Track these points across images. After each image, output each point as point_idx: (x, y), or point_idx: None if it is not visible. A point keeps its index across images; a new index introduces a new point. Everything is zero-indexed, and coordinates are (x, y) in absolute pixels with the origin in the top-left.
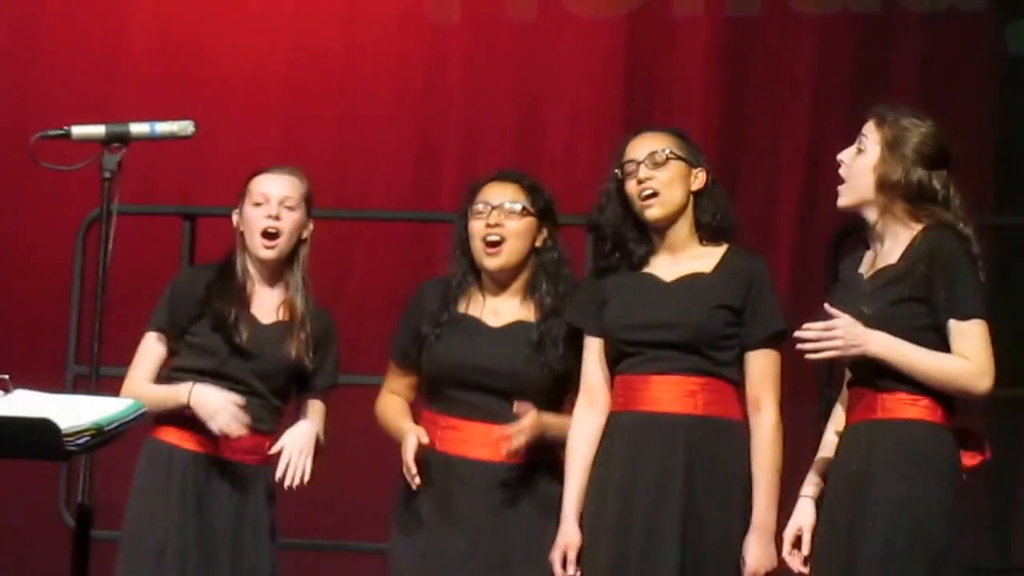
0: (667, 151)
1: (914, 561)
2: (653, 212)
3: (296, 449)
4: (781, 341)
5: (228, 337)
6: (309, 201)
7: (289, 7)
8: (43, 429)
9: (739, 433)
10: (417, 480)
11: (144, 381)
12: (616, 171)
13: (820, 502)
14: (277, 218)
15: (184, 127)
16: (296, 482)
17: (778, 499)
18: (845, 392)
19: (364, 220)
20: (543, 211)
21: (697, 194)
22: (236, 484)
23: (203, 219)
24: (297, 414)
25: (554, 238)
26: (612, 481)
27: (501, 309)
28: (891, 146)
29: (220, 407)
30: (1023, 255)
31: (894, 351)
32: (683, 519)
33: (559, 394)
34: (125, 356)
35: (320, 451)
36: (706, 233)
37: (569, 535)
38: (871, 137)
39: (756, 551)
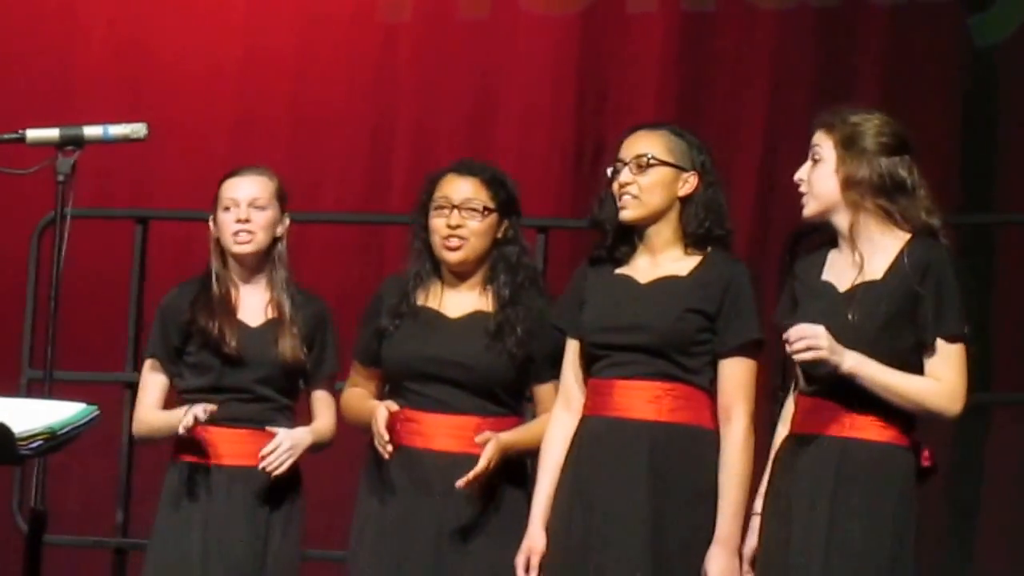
0: (651, 156)
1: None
2: (625, 214)
3: (286, 446)
4: (756, 350)
5: (217, 349)
6: (281, 198)
7: (240, 8)
8: None
9: (709, 441)
10: (390, 448)
11: (151, 409)
12: (608, 169)
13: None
14: (247, 220)
15: (137, 130)
16: (271, 471)
17: (744, 511)
18: (791, 399)
19: (315, 223)
20: (505, 204)
21: (685, 199)
22: (258, 490)
23: (155, 222)
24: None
25: (515, 229)
26: (576, 487)
27: (460, 301)
28: (847, 145)
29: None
30: (988, 253)
31: (866, 371)
32: (646, 528)
33: (520, 383)
34: (79, 360)
35: (327, 445)
36: (691, 240)
37: (534, 539)
38: (824, 144)
39: (718, 563)
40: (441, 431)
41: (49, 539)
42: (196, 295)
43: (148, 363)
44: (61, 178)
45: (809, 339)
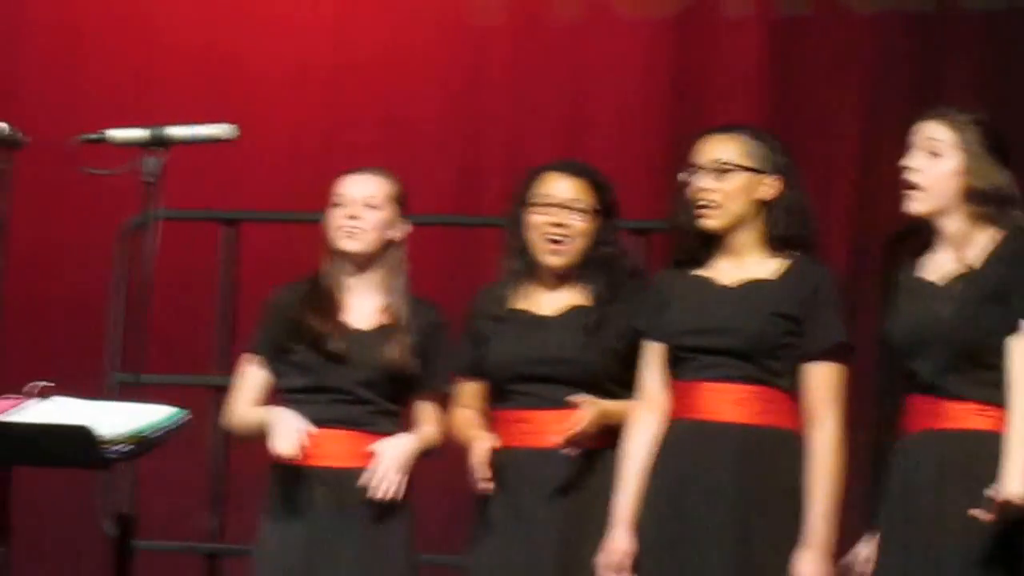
0: (729, 163)
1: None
2: (708, 223)
3: (389, 464)
4: (843, 354)
5: (322, 349)
6: (400, 201)
7: (329, 10)
8: (79, 436)
9: (794, 444)
10: (489, 485)
11: (246, 405)
12: (681, 174)
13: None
14: (355, 217)
15: (227, 130)
16: (387, 496)
17: (836, 517)
18: (901, 403)
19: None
20: (609, 209)
21: (768, 203)
22: (359, 492)
23: (245, 224)
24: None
25: (614, 231)
26: (666, 490)
27: (555, 298)
28: (973, 150)
29: (283, 429)
30: None
31: None
32: (734, 530)
33: (625, 375)
34: (167, 363)
35: (437, 451)
36: (776, 244)
37: (620, 541)
38: (944, 139)
39: (808, 568)
40: (552, 427)
41: (138, 544)
42: (305, 293)
43: (248, 358)
44: (149, 179)
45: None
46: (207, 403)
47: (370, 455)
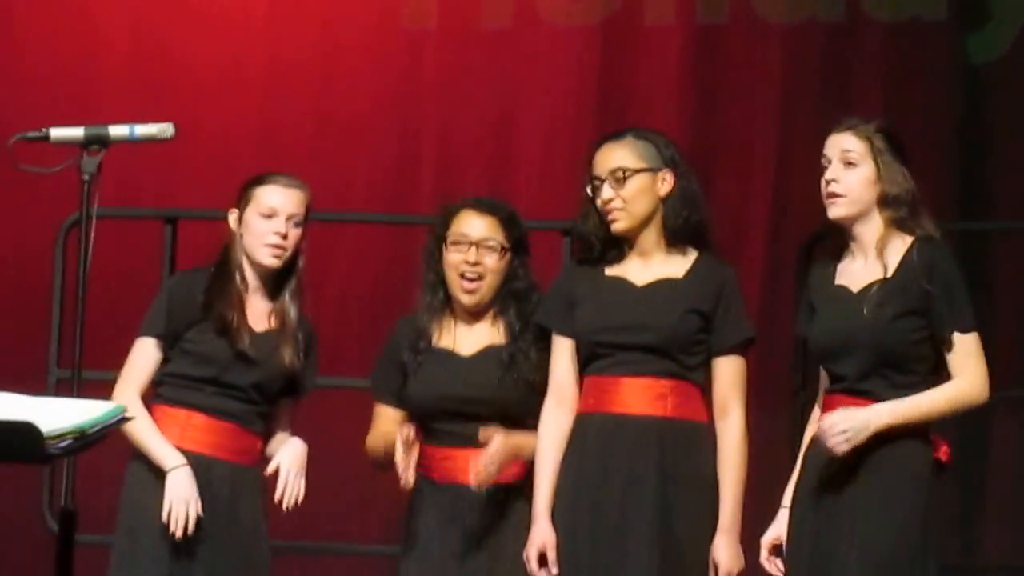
0: (625, 169)
1: (896, 566)
2: (617, 226)
3: (293, 470)
4: (748, 348)
5: (231, 343)
6: (309, 213)
7: (264, 10)
8: (24, 432)
9: (706, 435)
10: (409, 473)
11: (138, 392)
12: (586, 186)
13: (792, 510)
14: (285, 236)
15: (164, 129)
16: (290, 504)
17: (742, 501)
18: (822, 395)
19: (342, 223)
20: (518, 243)
21: (665, 198)
22: (229, 484)
23: (183, 222)
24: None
25: (524, 267)
26: (584, 481)
27: (473, 337)
28: (883, 158)
29: (181, 502)
30: (984, 260)
31: (900, 413)
32: (655, 519)
33: (532, 402)
34: (107, 360)
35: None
36: (673, 236)
37: (544, 533)
38: (857, 149)
39: (726, 552)
40: (471, 466)
41: (80, 538)
42: (212, 283)
43: (147, 340)
44: (87, 177)
45: (837, 433)
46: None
47: (243, 453)
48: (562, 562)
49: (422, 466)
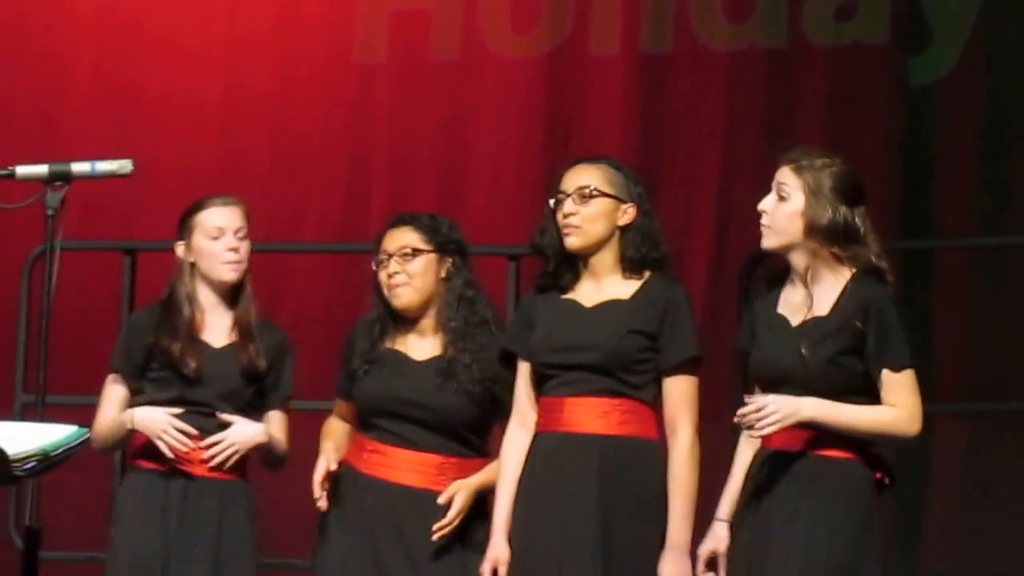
0: (594, 188)
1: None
2: (570, 241)
3: (232, 438)
4: (696, 367)
5: (177, 370)
6: (249, 226)
7: (219, 47)
8: None
9: (654, 452)
10: (322, 502)
11: (108, 421)
12: (550, 200)
13: (734, 524)
14: (238, 249)
15: (123, 166)
16: (213, 464)
17: (693, 518)
18: None
19: (296, 252)
20: (442, 245)
21: (624, 228)
22: (216, 501)
23: (143, 253)
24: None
25: (458, 266)
26: (532, 499)
27: (422, 343)
28: (814, 191)
29: (162, 427)
30: (925, 277)
31: (827, 413)
32: (597, 534)
33: (484, 421)
34: (70, 384)
35: (280, 460)
36: (629, 265)
37: (498, 549)
38: (791, 183)
39: (673, 568)
40: (404, 465)
41: (45, 555)
42: (161, 318)
43: (111, 377)
44: (50, 212)
45: (765, 415)
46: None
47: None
48: None
49: (350, 453)
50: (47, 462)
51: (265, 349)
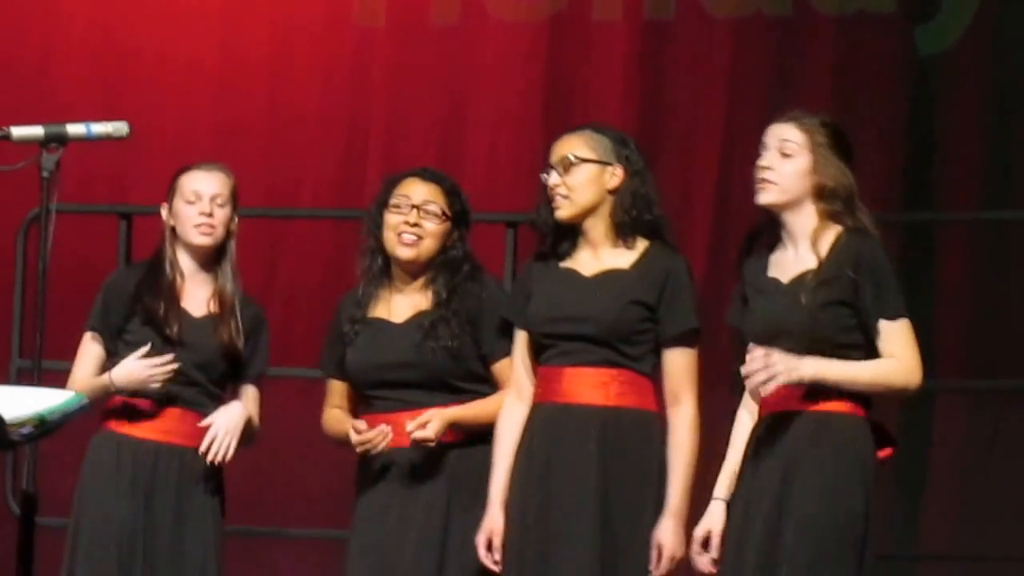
0: (574, 156)
1: (839, 550)
2: (560, 213)
3: (223, 428)
4: (695, 338)
5: (159, 331)
6: (235, 196)
7: (216, 10)
8: None
9: (653, 423)
10: (376, 439)
11: (83, 378)
12: (542, 176)
13: (730, 503)
14: (210, 215)
15: (119, 128)
16: (218, 459)
17: (692, 488)
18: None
19: (291, 219)
20: (459, 215)
21: (615, 192)
22: (182, 469)
23: (138, 217)
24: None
25: (462, 240)
26: (530, 469)
27: (405, 304)
28: (822, 151)
29: (145, 371)
30: (929, 252)
31: (828, 372)
32: (595, 505)
33: (473, 368)
34: (66, 350)
35: (254, 436)
36: (622, 230)
37: (494, 520)
38: (796, 140)
39: (670, 536)
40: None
41: (42, 521)
42: (143, 276)
43: (88, 335)
44: (46, 174)
45: (765, 368)
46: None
47: (193, 436)
48: (507, 548)
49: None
50: (44, 427)
51: (244, 322)
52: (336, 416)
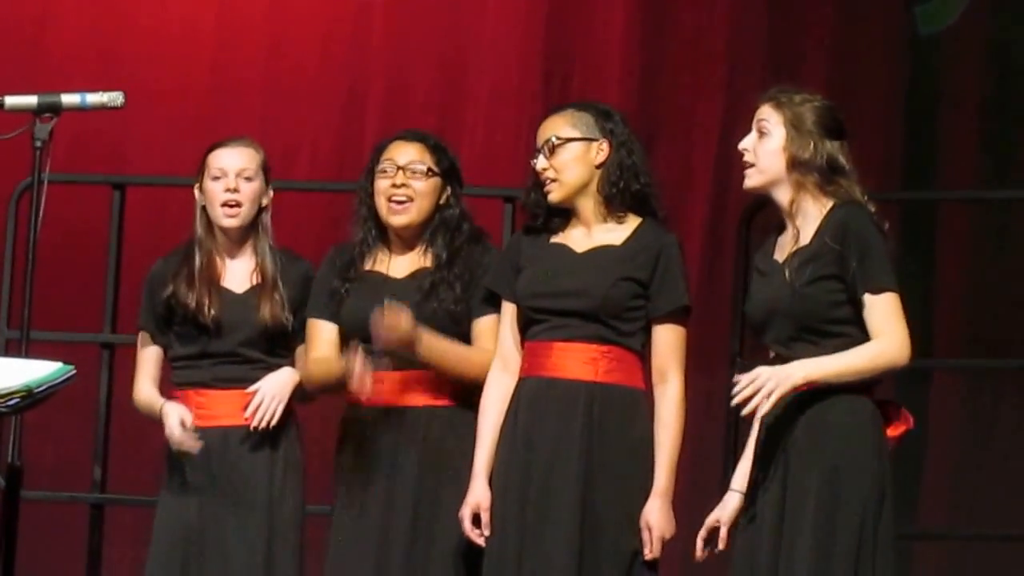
0: (557, 137)
1: (845, 532)
2: (552, 196)
3: (270, 393)
4: (685, 316)
5: (198, 320)
6: (266, 169)
7: None
8: None
9: (640, 401)
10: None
11: (147, 382)
12: (532, 161)
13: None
14: (236, 190)
15: (114, 98)
16: (263, 425)
17: (677, 466)
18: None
19: (288, 190)
20: (447, 171)
21: (601, 166)
22: (248, 447)
23: (132, 188)
24: None
25: (456, 196)
26: (516, 443)
27: (404, 263)
28: (795, 125)
29: (174, 437)
30: (927, 229)
31: (820, 370)
32: (579, 481)
33: (451, 332)
34: (55, 321)
35: (306, 398)
36: (611, 203)
37: (478, 494)
38: (772, 119)
39: (659, 516)
40: (401, 387)
41: (26, 494)
42: (178, 267)
43: (140, 336)
44: (39, 144)
45: (755, 390)
46: (94, 359)
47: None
48: (493, 522)
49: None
50: (31, 399)
51: (291, 287)
52: (318, 361)
